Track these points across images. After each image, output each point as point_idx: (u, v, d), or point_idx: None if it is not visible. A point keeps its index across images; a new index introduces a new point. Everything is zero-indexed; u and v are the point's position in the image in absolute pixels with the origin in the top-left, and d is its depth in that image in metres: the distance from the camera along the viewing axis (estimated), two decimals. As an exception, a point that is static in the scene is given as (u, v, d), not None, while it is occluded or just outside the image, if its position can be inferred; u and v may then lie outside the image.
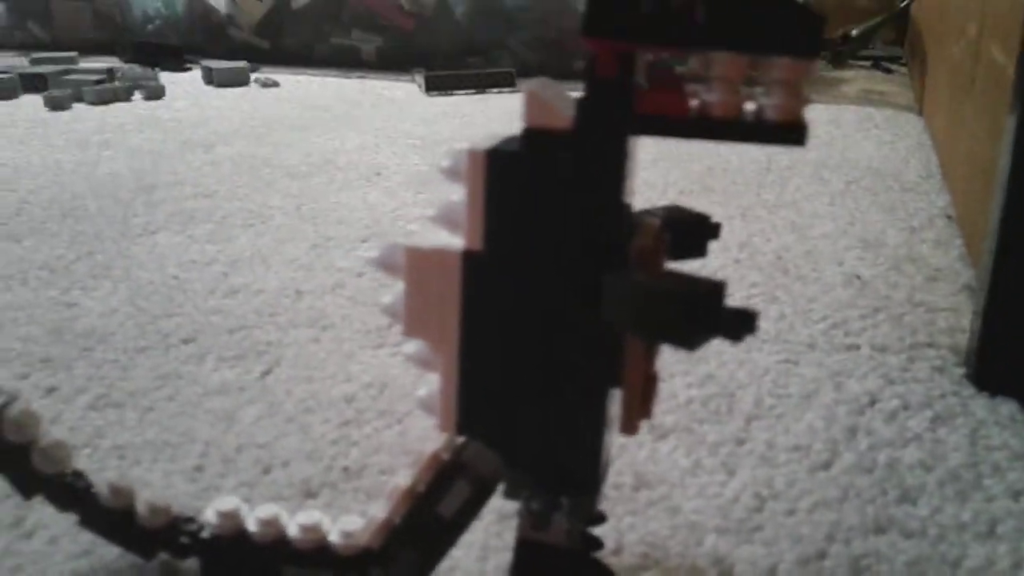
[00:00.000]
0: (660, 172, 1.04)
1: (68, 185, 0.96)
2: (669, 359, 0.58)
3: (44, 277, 0.70)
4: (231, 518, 0.36)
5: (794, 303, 0.68)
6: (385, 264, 0.31)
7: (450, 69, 1.75)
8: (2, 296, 0.66)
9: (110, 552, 0.39)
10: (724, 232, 0.84)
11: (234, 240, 0.80)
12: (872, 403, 0.53)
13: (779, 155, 1.12)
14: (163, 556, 0.37)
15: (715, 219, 0.33)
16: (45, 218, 0.85)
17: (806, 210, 0.91)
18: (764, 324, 0.64)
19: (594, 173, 0.28)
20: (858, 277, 0.73)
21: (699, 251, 0.33)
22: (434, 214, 0.30)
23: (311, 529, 0.36)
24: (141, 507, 0.37)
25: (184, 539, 0.37)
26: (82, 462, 0.46)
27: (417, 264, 0.30)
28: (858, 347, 0.61)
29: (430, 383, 0.32)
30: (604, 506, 0.43)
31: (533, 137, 0.28)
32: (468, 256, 0.29)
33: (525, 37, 1.89)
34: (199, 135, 1.24)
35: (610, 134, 0.28)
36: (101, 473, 0.45)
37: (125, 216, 0.86)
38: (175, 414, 0.51)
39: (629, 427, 0.31)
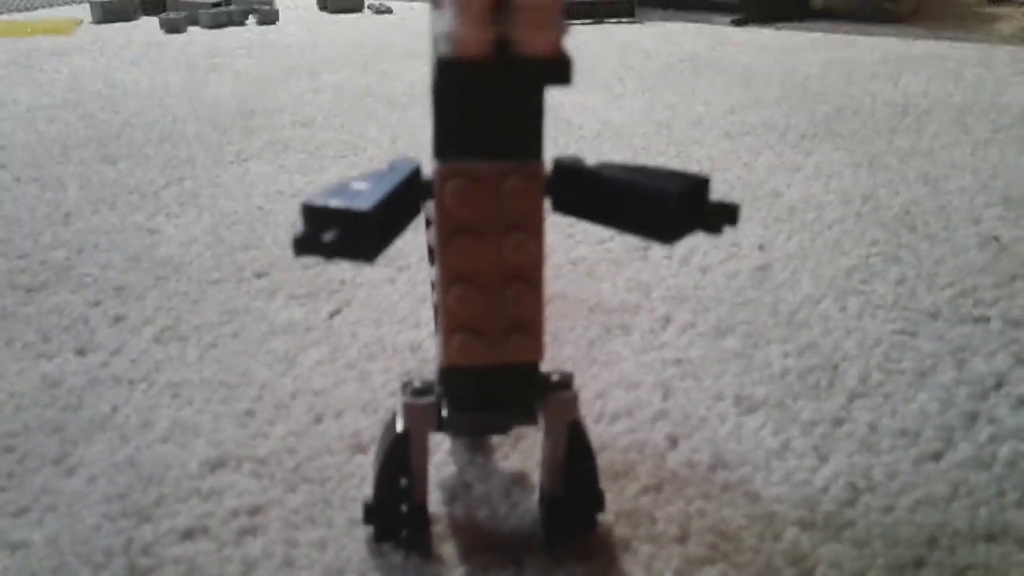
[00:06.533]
0: (782, 113, 0.97)
1: (171, 108, 0.96)
2: (766, 323, 0.53)
3: (133, 202, 0.70)
4: None
5: (919, 265, 0.61)
6: None
7: (568, -2, 1.69)
8: (89, 220, 0.66)
9: (145, 497, 0.37)
10: (846, 182, 0.76)
11: (324, 171, 0.78)
12: (998, 386, 0.47)
13: (917, 98, 1.02)
14: None
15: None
16: (144, 141, 0.84)
17: (942, 160, 0.82)
18: (881, 288, 0.58)
19: None
20: (996, 239, 0.65)
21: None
22: None
23: None
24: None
25: None
26: (136, 398, 0.45)
27: None
28: (988, 319, 0.54)
29: None
30: (673, 484, 0.39)
31: None
32: None
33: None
34: (306, 61, 1.22)
35: None
36: (152, 411, 0.43)
37: (220, 143, 0.85)
38: (236, 352, 0.49)
39: None
